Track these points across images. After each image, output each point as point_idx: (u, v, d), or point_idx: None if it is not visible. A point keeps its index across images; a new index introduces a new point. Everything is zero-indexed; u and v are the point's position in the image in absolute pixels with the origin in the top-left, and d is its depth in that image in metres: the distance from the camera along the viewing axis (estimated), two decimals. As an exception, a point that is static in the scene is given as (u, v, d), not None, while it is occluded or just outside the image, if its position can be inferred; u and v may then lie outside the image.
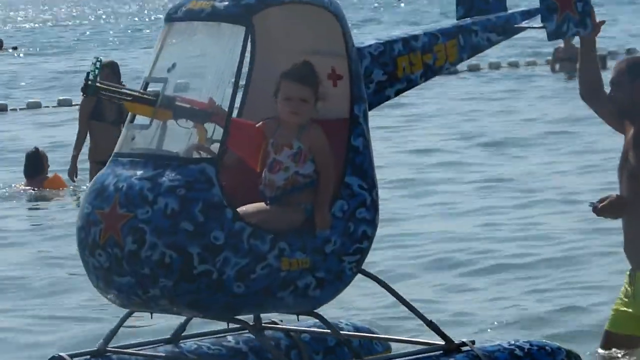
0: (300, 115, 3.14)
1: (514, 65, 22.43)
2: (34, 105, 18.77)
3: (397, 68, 3.45)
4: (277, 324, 3.57)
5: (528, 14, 3.89)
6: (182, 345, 3.39)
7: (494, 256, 6.60)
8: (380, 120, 11.30)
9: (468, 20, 3.80)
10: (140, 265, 2.79)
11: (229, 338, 3.48)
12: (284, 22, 3.45)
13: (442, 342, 3.28)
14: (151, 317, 3.16)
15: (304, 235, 3.05)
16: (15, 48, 34.46)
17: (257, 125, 3.24)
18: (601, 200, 3.58)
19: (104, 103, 9.35)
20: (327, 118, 3.37)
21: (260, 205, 3.15)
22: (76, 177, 10.05)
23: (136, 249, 2.78)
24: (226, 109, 3.08)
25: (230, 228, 2.85)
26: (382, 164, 8.10)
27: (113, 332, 3.18)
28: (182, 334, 3.40)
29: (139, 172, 2.92)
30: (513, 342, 3.45)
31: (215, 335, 3.50)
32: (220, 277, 2.83)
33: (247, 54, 3.22)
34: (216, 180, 2.88)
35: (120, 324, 3.17)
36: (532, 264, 6.32)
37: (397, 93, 3.54)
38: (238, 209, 2.98)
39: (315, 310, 3.14)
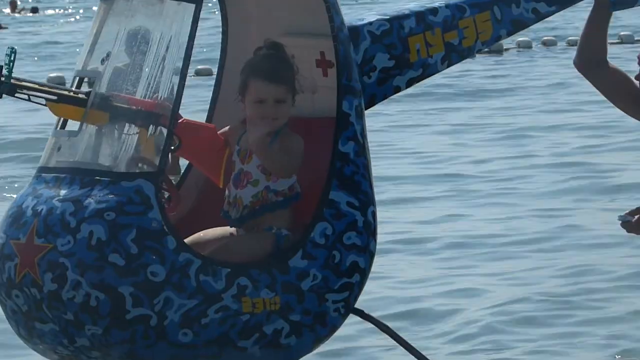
0: (278, 120, 2.60)
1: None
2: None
3: (408, 51, 2.79)
4: None
5: None
6: None
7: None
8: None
9: None
10: (62, 309, 2.30)
11: None
12: None
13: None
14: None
15: (273, 268, 2.52)
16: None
17: (220, 131, 2.74)
18: (633, 213, 2.76)
19: None
20: (317, 116, 2.81)
21: (218, 230, 2.67)
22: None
23: (56, 288, 2.29)
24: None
25: (173, 261, 2.35)
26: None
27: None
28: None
29: (63, 192, 2.42)
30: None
31: None
32: (160, 323, 2.33)
33: (214, 40, 2.71)
34: (155, 200, 2.37)
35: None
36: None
37: (410, 83, 2.87)
38: (189, 238, 2.54)
39: None
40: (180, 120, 2.63)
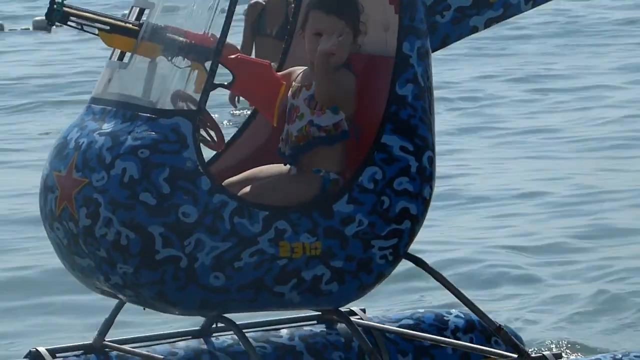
0: (335, 56, 2.44)
1: None
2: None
3: None
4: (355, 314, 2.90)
5: None
6: (212, 340, 2.83)
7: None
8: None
9: None
10: (96, 246, 2.27)
11: (282, 332, 2.89)
12: None
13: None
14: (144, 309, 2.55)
15: (314, 212, 2.40)
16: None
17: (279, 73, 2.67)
18: None
19: (268, 13, 8.71)
20: (389, 55, 2.60)
21: (272, 168, 2.59)
22: (238, 102, 8.89)
23: (90, 224, 2.26)
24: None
25: (206, 202, 2.26)
26: None
27: (109, 323, 2.68)
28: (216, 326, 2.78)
29: (105, 126, 2.36)
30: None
31: (264, 328, 2.89)
32: (191, 265, 2.26)
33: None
34: (192, 139, 2.28)
35: (115, 313, 2.67)
36: None
37: (489, 23, 2.71)
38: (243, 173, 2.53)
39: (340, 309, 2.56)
40: (234, 56, 2.55)
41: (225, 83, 2.54)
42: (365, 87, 2.57)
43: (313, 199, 2.43)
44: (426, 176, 2.54)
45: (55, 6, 2.54)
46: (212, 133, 2.55)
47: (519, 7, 2.73)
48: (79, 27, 2.65)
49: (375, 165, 2.45)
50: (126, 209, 2.22)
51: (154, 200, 2.21)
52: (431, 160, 2.56)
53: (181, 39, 2.46)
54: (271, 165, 2.59)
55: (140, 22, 2.53)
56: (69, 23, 2.60)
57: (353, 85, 2.52)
